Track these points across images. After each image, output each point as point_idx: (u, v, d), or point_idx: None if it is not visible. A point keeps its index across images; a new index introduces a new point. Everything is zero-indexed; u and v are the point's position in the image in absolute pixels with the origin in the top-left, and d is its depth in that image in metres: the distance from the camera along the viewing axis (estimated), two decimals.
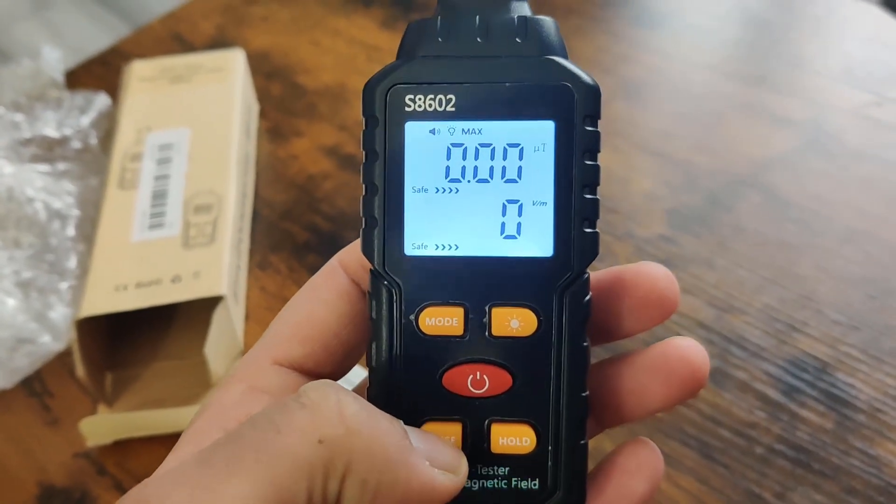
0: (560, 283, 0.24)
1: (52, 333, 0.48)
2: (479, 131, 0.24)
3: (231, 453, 0.21)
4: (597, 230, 0.24)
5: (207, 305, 0.47)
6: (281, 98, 0.68)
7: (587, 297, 0.24)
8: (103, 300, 0.47)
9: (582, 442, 0.25)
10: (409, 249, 0.25)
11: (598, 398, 0.25)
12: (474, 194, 0.24)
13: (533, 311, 0.24)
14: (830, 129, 0.60)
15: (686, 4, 0.74)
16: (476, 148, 0.24)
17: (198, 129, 0.58)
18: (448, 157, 0.24)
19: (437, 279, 0.25)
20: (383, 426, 0.22)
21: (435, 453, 0.23)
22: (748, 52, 0.69)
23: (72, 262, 0.51)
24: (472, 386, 0.25)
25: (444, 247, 0.25)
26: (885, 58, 0.66)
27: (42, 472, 0.47)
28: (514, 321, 0.24)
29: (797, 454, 0.43)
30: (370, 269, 0.25)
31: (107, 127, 0.61)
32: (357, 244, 0.26)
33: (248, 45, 0.73)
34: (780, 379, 0.46)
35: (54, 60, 0.62)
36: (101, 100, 0.62)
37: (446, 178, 0.25)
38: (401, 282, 0.25)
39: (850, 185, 0.57)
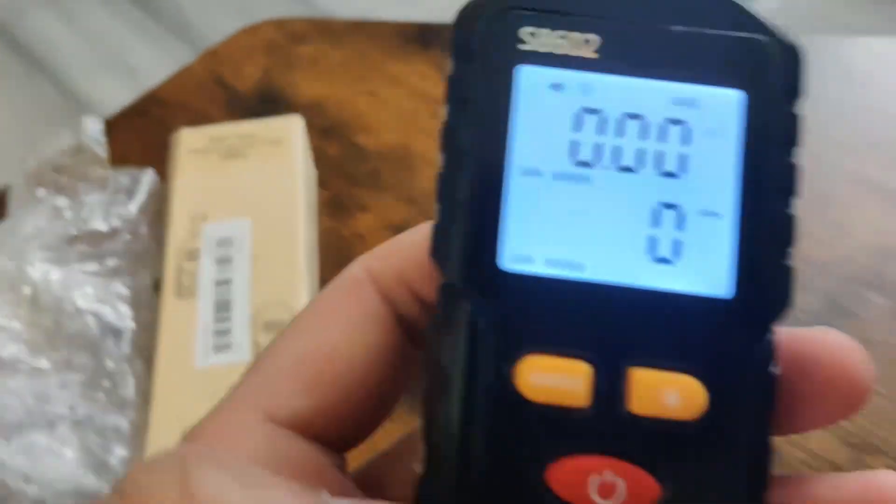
0: (743, 339, 0.16)
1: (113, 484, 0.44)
2: (629, 94, 0.17)
3: None
4: (793, 264, 0.17)
5: None
6: (340, 162, 0.63)
7: (776, 368, 0.16)
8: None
9: None
10: (508, 262, 0.17)
11: None
12: (612, 190, 0.17)
13: (701, 382, 0.16)
14: None
15: None
16: (621, 118, 0.17)
17: (259, 219, 0.52)
18: (578, 129, 0.17)
19: (549, 314, 0.16)
20: None
21: None
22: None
23: (129, 389, 0.46)
24: (596, 493, 0.16)
25: (562, 265, 0.17)
26: None
27: None
28: (669, 394, 0.16)
29: None
30: (440, 284, 0.17)
31: (156, 208, 0.56)
32: (392, 246, 0.18)
33: (298, 93, 0.67)
34: None
35: (96, 132, 0.56)
36: (148, 178, 0.57)
37: (572, 159, 0.17)
38: (492, 310, 0.16)
39: None
